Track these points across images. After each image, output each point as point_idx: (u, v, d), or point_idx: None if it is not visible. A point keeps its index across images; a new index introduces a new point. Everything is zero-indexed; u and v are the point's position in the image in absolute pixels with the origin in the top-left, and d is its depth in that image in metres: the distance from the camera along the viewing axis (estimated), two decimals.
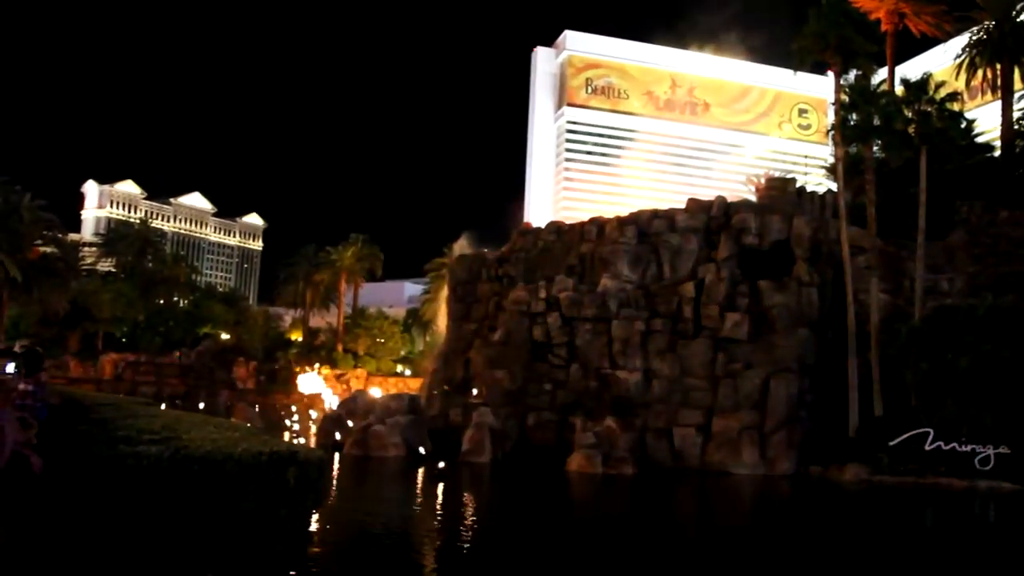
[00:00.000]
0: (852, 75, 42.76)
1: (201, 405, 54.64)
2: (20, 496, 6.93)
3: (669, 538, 20.91)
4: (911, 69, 51.57)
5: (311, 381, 64.39)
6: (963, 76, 55.41)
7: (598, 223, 44.94)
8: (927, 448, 32.93)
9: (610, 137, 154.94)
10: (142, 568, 7.53)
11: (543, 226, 49.77)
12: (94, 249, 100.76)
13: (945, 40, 64.51)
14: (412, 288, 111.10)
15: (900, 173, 41.00)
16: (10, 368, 6.83)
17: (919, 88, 39.35)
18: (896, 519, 25.78)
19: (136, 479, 7.85)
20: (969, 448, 32.42)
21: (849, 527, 23.62)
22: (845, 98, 40.77)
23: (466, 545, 17.81)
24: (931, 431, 33.01)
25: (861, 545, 19.62)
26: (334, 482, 27.14)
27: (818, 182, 65.12)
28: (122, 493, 7.82)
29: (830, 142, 47.65)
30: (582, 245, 44.23)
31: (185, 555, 7.73)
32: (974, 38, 55.68)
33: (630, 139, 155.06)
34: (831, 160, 50.81)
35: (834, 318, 38.53)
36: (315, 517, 14.90)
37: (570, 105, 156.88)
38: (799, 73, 50.63)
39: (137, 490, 7.79)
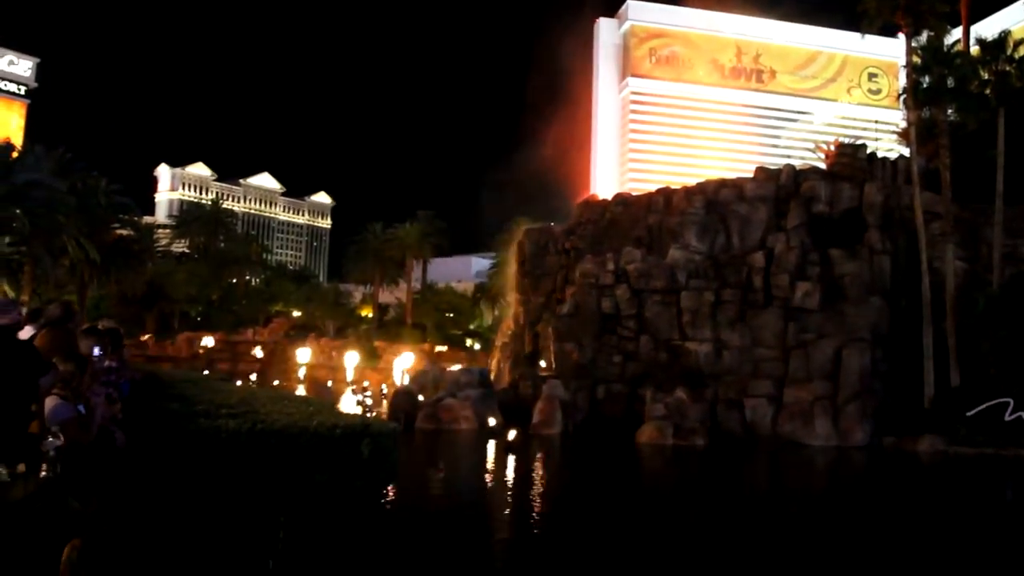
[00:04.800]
0: (924, 36, 41.55)
1: (275, 381, 55.59)
2: (107, 468, 7.16)
3: (746, 511, 20.80)
4: (987, 27, 50.05)
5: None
6: None
7: (665, 194, 44.64)
8: (1007, 419, 32.15)
9: (675, 107, 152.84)
10: (222, 535, 7.74)
11: (610, 198, 49.52)
12: (168, 231, 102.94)
13: None
14: (480, 262, 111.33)
15: (976, 136, 39.85)
16: (96, 351, 7.03)
17: (996, 47, 38.21)
18: (977, 492, 25.27)
19: (216, 452, 8.05)
20: None
21: (931, 501, 23.22)
22: (917, 60, 39.66)
23: (538, 515, 17.95)
24: (1011, 401, 32.22)
25: (945, 520, 19.30)
26: (407, 455, 27.51)
27: (889, 148, 63.69)
28: (202, 465, 8.02)
29: (902, 106, 46.35)
30: (649, 216, 43.97)
31: (262, 524, 7.92)
32: None
33: (696, 109, 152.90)
34: (903, 125, 49.49)
35: (908, 286, 37.78)
36: (390, 488, 15.16)
37: (634, 76, 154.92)
38: (868, 36, 49.17)
39: (217, 462, 7.99)
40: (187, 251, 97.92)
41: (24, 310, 10.71)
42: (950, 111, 39.07)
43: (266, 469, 8.10)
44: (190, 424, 8.62)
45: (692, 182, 45.71)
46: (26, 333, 8.03)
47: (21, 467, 4.39)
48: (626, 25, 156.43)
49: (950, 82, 37.70)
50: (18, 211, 42.79)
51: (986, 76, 38.08)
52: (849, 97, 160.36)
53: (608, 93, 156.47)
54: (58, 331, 6.95)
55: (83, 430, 6.16)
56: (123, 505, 7.79)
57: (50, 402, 5.72)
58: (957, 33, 54.23)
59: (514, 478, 24.34)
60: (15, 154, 47.96)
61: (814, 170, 43.70)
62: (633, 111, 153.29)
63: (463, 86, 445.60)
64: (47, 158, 49.93)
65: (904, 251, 38.68)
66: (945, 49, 39.76)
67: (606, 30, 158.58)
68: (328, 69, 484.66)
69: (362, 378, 61.38)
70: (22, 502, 4.41)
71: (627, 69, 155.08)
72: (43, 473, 4.66)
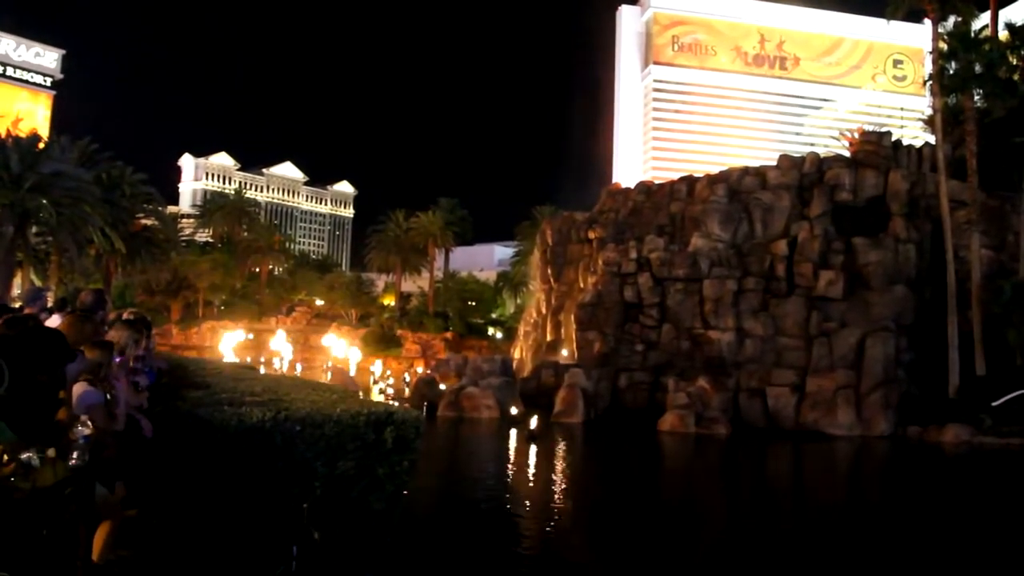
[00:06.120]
0: (951, 21, 41.12)
1: (298, 369, 55.89)
2: (133, 456, 7.23)
3: (773, 505, 20.74)
4: (1017, 12, 49.42)
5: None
6: None
7: (688, 182, 44.48)
8: None
9: (698, 95, 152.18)
10: (245, 521, 7.81)
11: (632, 186, 49.43)
12: (192, 220, 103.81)
13: None
14: (502, 251, 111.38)
15: (1003, 123, 39.41)
16: (116, 359, 7.09)
17: None
18: (1005, 484, 24.99)
19: (240, 439, 8.09)
20: None
21: (957, 494, 22.91)
22: (943, 46, 39.26)
23: (561, 505, 17.97)
24: None
25: (973, 514, 19.08)
26: (428, 443, 27.57)
27: (915, 135, 63.22)
28: (227, 452, 8.07)
29: (927, 93, 45.99)
30: (672, 204, 43.84)
31: (287, 510, 7.98)
32: None
33: (719, 96, 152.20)
34: (928, 112, 49.07)
35: (933, 275, 37.52)
36: (413, 475, 15.23)
37: (657, 63, 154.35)
38: (893, 22, 48.74)
39: (241, 449, 8.04)
40: (211, 240, 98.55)
41: (50, 298, 10.82)
42: (977, 98, 38.69)
43: (291, 455, 8.15)
44: (215, 412, 8.68)
45: (715, 170, 45.56)
46: (52, 322, 8.12)
47: (51, 452, 4.45)
48: (648, 12, 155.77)
49: (977, 68, 37.33)
50: (44, 201, 43.14)
51: (1015, 62, 37.68)
52: (874, 84, 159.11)
53: (630, 81, 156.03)
54: (84, 319, 7.01)
55: (110, 417, 6.23)
56: (149, 492, 7.87)
57: (78, 389, 5.79)
58: (985, 18, 53.54)
59: (535, 467, 24.38)
60: (41, 145, 48.30)
61: (838, 158, 43.42)
62: (656, 99, 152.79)
63: (485, 74, 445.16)
64: (72, 149, 50.30)
65: (929, 239, 38.40)
66: (972, 35, 39.34)
67: (628, 17, 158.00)
68: (350, 58, 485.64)
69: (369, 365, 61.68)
70: (52, 488, 4.48)
71: (649, 56, 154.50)
72: (72, 461, 4.73)
